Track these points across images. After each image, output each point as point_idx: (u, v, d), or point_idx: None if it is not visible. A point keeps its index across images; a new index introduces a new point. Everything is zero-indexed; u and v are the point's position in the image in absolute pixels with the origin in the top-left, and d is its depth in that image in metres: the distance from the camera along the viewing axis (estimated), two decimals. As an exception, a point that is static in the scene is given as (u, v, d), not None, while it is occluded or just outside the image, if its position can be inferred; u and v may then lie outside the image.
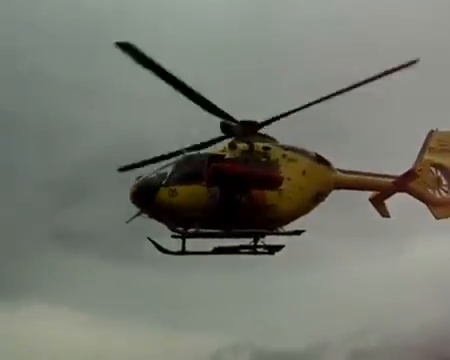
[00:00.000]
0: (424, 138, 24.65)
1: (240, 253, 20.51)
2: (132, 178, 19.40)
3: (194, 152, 19.73)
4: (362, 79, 18.42)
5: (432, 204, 23.22)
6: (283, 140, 20.72)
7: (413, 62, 18.67)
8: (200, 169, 18.73)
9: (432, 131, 24.42)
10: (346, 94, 18.69)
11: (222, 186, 18.40)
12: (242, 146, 19.57)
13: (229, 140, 19.93)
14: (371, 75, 18.62)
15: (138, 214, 19.27)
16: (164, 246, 19.48)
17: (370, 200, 23.31)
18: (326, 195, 21.58)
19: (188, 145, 19.79)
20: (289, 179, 19.66)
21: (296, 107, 18.92)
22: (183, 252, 19.40)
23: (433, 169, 23.54)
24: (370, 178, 22.70)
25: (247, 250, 20.45)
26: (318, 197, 20.95)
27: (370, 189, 22.85)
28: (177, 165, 19.08)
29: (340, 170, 22.24)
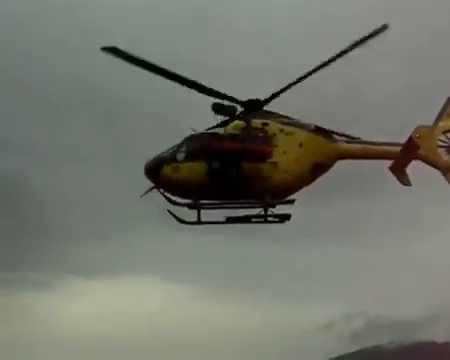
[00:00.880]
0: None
1: (252, 222, 22.09)
2: None
3: (198, 132, 21.53)
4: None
5: (446, 170, 22.92)
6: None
7: (384, 28, 19.69)
8: (200, 147, 20.73)
9: None
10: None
11: (216, 162, 20.38)
12: (241, 124, 21.16)
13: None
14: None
15: (151, 188, 21.71)
16: (183, 218, 21.48)
17: (390, 169, 23.15)
18: (328, 166, 22.44)
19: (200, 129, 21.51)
20: (285, 152, 21.21)
21: (294, 80, 20.24)
22: (199, 222, 21.30)
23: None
24: (376, 147, 22.87)
25: (258, 219, 21.91)
26: (317, 168, 21.93)
27: (377, 158, 23.04)
28: (181, 144, 21.16)
29: (347, 139, 22.88)
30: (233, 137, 21.17)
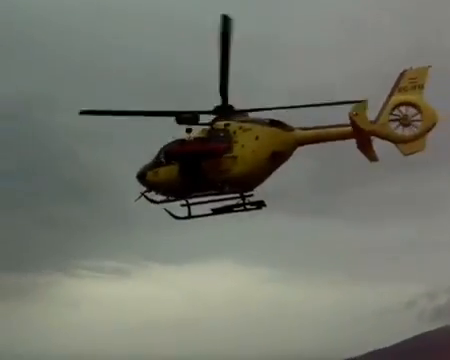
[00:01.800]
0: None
1: (234, 211, 25.66)
2: None
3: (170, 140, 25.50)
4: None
5: (399, 142, 24.47)
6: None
7: (361, 101, 23.90)
8: (169, 153, 24.85)
9: (405, 71, 25.01)
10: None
11: (183, 163, 24.09)
12: (208, 128, 25.07)
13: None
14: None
15: (144, 192, 25.48)
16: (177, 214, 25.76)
17: (358, 148, 25.51)
18: (287, 153, 25.08)
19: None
20: (243, 146, 24.11)
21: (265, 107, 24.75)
22: (189, 216, 25.33)
23: (402, 108, 24.62)
24: (330, 130, 25.09)
25: (238, 208, 25.53)
26: (276, 156, 24.49)
27: (332, 139, 25.29)
28: (159, 152, 25.47)
29: (302, 128, 25.29)
30: (198, 140, 24.88)
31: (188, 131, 24.81)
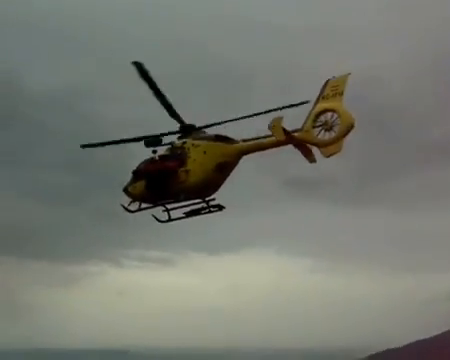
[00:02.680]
0: None
1: (201, 214, 30.12)
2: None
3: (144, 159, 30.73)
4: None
5: (321, 146, 27.18)
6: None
7: (305, 102, 27.45)
8: (139, 171, 29.97)
9: (328, 80, 27.34)
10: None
11: (146, 179, 29.25)
12: (169, 147, 29.84)
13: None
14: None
15: (130, 203, 30.38)
16: (161, 218, 30.69)
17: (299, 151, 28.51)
18: (232, 163, 28.85)
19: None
20: (195, 160, 28.48)
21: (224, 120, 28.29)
22: (169, 220, 30.21)
23: (326, 114, 27.08)
24: (265, 140, 28.36)
25: (205, 210, 30.06)
26: (221, 166, 28.41)
27: (270, 147, 28.46)
28: (137, 168, 30.32)
29: (244, 140, 28.81)
30: (161, 157, 29.64)
31: (154, 152, 29.95)
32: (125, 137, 30.67)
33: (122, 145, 30.83)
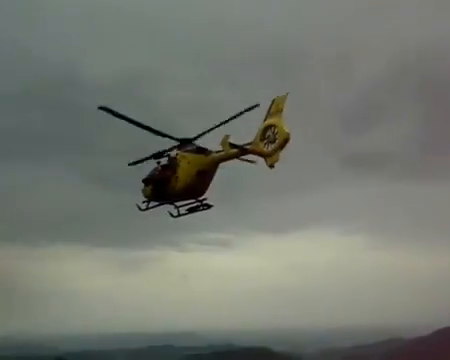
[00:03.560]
0: None
1: (197, 211, 35.13)
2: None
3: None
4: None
5: (266, 156, 31.04)
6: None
7: (255, 106, 32.88)
8: (147, 178, 35.92)
9: (274, 99, 31.21)
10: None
11: (152, 184, 35.34)
12: (167, 158, 35.20)
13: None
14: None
15: (143, 202, 35.93)
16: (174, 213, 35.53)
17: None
18: (211, 170, 33.66)
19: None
20: (182, 169, 33.72)
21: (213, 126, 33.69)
22: (179, 215, 35.08)
23: (271, 129, 30.88)
24: (232, 150, 32.74)
25: (199, 209, 34.99)
26: (200, 173, 33.39)
27: (233, 158, 33.32)
28: (146, 177, 36.23)
29: (216, 152, 33.65)
30: (163, 167, 35.15)
31: (158, 163, 35.50)
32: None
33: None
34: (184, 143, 34.74)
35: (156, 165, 35.80)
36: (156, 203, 36.19)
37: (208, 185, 34.10)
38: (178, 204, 35.34)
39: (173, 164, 34.37)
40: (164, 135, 34.60)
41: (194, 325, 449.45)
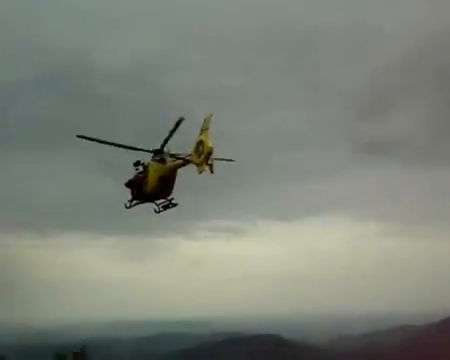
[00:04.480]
0: None
1: (168, 208, 41.86)
2: None
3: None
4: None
5: (197, 165, 37.31)
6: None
7: (230, 160, 43.16)
8: (127, 184, 43.10)
9: (205, 118, 37.12)
10: None
11: (133, 187, 42.40)
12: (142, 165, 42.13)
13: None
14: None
15: (129, 200, 42.77)
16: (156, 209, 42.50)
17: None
18: (171, 176, 40.35)
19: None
20: (150, 175, 40.49)
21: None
22: (159, 211, 42.21)
23: (201, 144, 36.89)
24: (177, 162, 40.42)
25: (168, 206, 41.93)
26: (161, 179, 40.18)
27: (180, 166, 40.21)
28: (128, 181, 43.29)
29: (173, 159, 40.71)
30: (139, 173, 41.75)
31: (136, 169, 41.78)
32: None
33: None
34: (156, 152, 41.68)
35: (136, 171, 42.82)
36: (138, 201, 43.01)
37: (171, 187, 41.32)
38: (158, 202, 42.73)
39: (145, 171, 41.63)
40: (138, 149, 41.20)
41: (205, 313, 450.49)
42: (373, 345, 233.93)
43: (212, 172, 37.40)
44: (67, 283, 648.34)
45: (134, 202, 43.08)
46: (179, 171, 41.06)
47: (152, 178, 40.60)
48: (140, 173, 42.37)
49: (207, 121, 36.99)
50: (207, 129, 36.93)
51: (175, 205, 42.50)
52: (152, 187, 40.79)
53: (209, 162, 37.18)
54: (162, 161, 40.83)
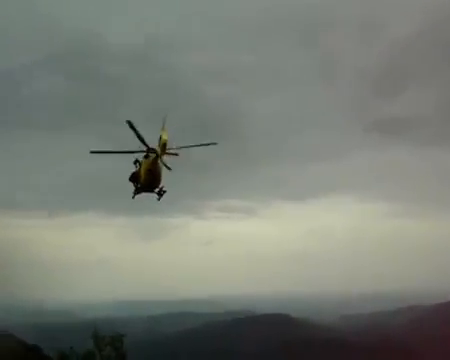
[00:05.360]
0: None
1: (162, 195, 46.73)
2: None
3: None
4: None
5: (160, 156, 43.30)
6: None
7: (213, 143, 44.88)
8: (130, 178, 47.29)
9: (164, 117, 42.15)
10: None
11: (134, 180, 46.66)
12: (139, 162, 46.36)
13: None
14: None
15: (134, 191, 47.48)
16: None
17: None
18: (155, 169, 44.86)
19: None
20: (142, 169, 45.23)
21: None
22: (159, 199, 46.94)
23: (160, 139, 42.41)
24: (152, 155, 44.32)
25: (162, 193, 46.59)
26: (149, 171, 44.95)
27: (157, 158, 43.81)
28: (131, 175, 47.45)
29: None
30: (137, 169, 46.25)
31: (135, 166, 46.56)
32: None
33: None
34: (149, 151, 46.46)
35: (136, 168, 48.00)
36: (139, 193, 48.08)
37: (159, 178, 46.60)
38: (156, 191, 47.78)
39: (140, 166, 47.32)
40: (144, 152, 45.45)
41: (214, 292, 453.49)
42: (381, 324, 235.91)
43: (169, 169, 45.15)
44: (75, 264, 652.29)
45: (137, 194, 49.04)
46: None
47: (143, 172, 46.45)
48: (136, 168, 48.68)
49: (164, 120, 43.29)
50: (164, 125, 43.17)
51: (165, 192, 48.51)
52: (143, 179, 46.73)
53: (166, 151, 43.70)
54: (146, 157, 46.75)
